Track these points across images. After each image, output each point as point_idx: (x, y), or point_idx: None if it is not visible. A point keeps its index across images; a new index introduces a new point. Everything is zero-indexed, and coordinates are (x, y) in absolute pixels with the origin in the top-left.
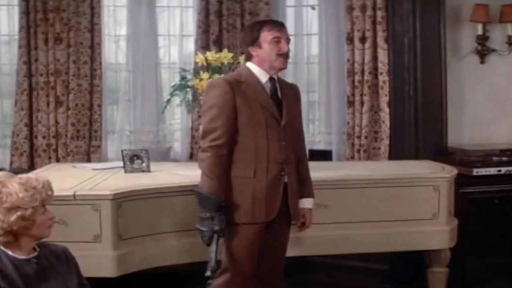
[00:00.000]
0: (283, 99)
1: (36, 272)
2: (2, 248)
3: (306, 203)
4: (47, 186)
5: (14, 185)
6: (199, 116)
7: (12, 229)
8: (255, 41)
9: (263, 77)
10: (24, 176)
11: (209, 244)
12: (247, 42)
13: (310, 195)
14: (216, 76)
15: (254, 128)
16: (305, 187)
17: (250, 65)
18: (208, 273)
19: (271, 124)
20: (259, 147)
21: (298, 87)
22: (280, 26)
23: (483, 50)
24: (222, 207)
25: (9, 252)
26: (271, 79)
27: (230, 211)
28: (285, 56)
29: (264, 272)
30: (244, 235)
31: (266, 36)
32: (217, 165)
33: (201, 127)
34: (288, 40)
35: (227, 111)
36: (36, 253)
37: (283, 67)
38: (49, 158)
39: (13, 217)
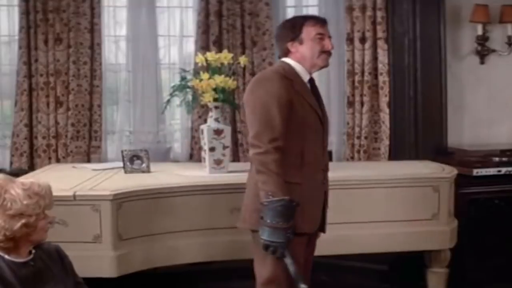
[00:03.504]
0: (319, 101)
1: (33, 275)
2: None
3: None
4: (49, 191)
5: (18, 191)
6: (199, 117)
7: (14, 236)
8: (296, 37)
9: (305, 75)
10: (26, 181)
11: (282, 257)
12: (287, 38)
13: None
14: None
15: (303, 130)
16: None
17: (290, 61)
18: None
19: (317, 127)
20: (305, 151)
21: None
22: (323, 22)
23: (483, 51)
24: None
25: (6, 256)
26: (310, 79)
27: None
28: (328, 53)
29: None
30: (295, 247)
31: (310, 32)
32: (281, 168)
33: (250, 126)
34: (330, 38)
35: (285, 108)
36: (32, 256)
37: (326, 65)
38: (49, 158)
39: (17, 225)
